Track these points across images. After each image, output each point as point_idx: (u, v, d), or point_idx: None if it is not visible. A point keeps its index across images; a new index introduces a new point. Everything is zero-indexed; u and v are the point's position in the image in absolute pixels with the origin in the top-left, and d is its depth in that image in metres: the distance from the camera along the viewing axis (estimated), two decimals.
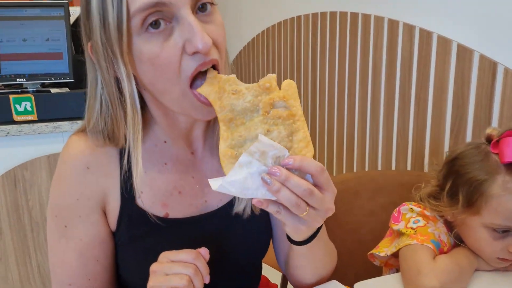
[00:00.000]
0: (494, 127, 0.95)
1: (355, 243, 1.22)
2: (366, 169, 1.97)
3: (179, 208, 0.80)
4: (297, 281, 0.88)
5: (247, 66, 3.44)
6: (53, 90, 1.58)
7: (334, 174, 2.25)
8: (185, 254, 0.64)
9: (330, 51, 2.17)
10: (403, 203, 1.05)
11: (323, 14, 2.18)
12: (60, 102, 1.55)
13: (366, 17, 1.83)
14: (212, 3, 0.67)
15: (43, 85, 1.63)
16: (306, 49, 2.42)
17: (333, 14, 2.10)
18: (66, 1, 1.57)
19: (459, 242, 0.98)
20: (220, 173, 0.63)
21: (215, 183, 0.59)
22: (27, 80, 1.55)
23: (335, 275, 0.89)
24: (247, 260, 0.89)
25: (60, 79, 1.57)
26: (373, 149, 1.90)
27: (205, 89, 0.65)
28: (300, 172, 0.59)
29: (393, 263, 1.08)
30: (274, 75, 0.64)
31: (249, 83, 0.64)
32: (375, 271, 1.13)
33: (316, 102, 2.37)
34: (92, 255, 0.77)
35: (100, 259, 0.78)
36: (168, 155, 0.81)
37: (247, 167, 0.58)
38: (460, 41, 1.40)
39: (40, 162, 1.57)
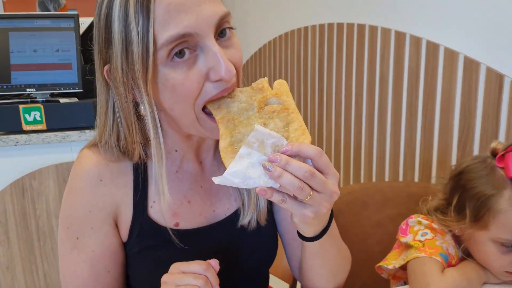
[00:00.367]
0: (499, 141, 0.96)
1: (363, 254, 1.22)
2: (373, 180, 1.97)
3: (189, 217, 0.81)
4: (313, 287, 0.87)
5: (253, 76, 3.45)
6: (62, 100, 1.60)
7: (341, 185, 2.24)
8: (195, 265, 0.65)
9: (337, 62, 2.18)
10: (411, 216, 1.05)
11: (330, 25, 2.19)
12: (69, 112, 1.57)
13: (373, 28, 1.84)
14: (231, 28, 0.69)
15: (52, 95, 1.65)
16: (313, 60, 2.43)
17: (340, 25, 2.11)
18: (77, 13, 1.59)
19: (467, 256, 0.98)
20: None
21: (217, 178, 0.60)
22: (36, 90, 1.57)
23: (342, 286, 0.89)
24: (255, 269, 0.89)
25: (69, 89, 1.59)
26: (381, 160, 1.90)
27: (213, 105, 0.67)
28: (299, 158, 0.60)
29: (401, 275, 1.07)
30: (266, 78, 0.67)
31: None
32: (383, 284, 1.13)
33: (323, 113, 2.37)
34: (104, 266, 0.78)
35: (111, 270, 0.79)
36: (178, 164, 0.82)
37: (248, 158, 0.59)
38: (467, 54, 1.40)
39: (48, 172, 1.58)
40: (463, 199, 0.95)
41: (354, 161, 2.12)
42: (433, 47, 1.53)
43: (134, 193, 0.78)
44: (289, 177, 0.57)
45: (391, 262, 1.04)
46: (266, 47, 3.10)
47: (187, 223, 0.80)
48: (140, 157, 0.75)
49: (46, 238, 1.64)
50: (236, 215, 0.84)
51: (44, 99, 1.59)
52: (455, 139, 1.48)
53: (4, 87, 1.54)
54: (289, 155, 0.58)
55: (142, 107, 0.69)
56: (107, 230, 0.78)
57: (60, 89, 1.58)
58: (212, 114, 0.67)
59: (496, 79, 1.30)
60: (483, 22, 1.33)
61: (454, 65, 1.45)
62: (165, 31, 0.62)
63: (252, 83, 0.67)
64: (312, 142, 0.62)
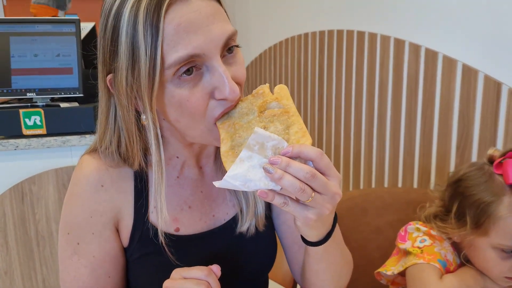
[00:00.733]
0: (496, 148, 0.96)
1: (362, 260, 1.22)
2: (373, 186, 1.97)
3: (190, 222, 0.81)
4: None
5: (254, 82, 3.46)
6: (63, 105, 1.60)
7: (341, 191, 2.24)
8: (197, 271, 0.65)
9: (337, 69, 2.19)
10: (410, 222, 1.06)
11: (330, 32, 2.20)
12: (69, 116, 1.57)
13: (373, 36, 1.85)
14: (237, 46, 0.69)
15: (52, 99, 1.65)
16: (313, 66, 2.44)
17: (340, 32, 2.12)
18: (78, 18, 1.60)
19: (466, 262, 0.99)
20: None
21: (218, 182, 0.60)
22: (37, 95, 1.57)
23: None
24: (255, 274, 0.90)
25: (70, 93, 1.59)
26: (380, 166, 1.91)
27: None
28: (300, 160, 0.59)
29: (400, 281, 1.08)
30: (267, 84, 0.67)
31: None
32: None
33: (323, 119, 2.38)
34: (104, 271, 0.78)
35: (112, 275, 0.79)
36: (179, 170, 0.82)
37: (248, 161, 0.59)
38: (465, 61, 1.41)
39: (48, 176, 1.58)
40: (462, 207, 0.95)
41: (353, 166, 2.12)
42: (432, 55, 1.54)
43: (134, 198, 0.78)
44: (290, 179, 0.57)
45: (390, 268, 1.04)
46: (267, 53, 3.11)
47: (187, 228, 0.81)
48: (140, 166, 0.75)
49: (45, 243, 1.64)
50: (234, 220, 0.85)
51: (44, 104, 1.59)
52: (454, 146, 1.48)
53: (5, 91, 1.54)
54: (289, 157, 0.58)
55: (143, 117, 0.69)
56: (108, 235, 0.78)
57: (60, 94, 1.58)
58: None
59: (494, 87, 1.31)
60: (482, 30, 1.34)
61: (453, 72, 1.45)
62: (173, 52, 0.62)
63: (253, 90, 0.67)
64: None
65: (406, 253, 1.02)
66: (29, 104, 1.61)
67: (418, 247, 0.99)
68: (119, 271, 0.80)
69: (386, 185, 1.87)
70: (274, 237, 0.91)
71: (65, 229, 0.78)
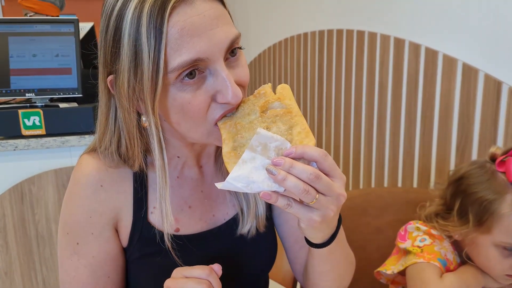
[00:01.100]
0: (498, 146, 0.96)
1: (362, 260, 1.22)
2: (373, 186, 1.97)
3: (190, 222, 0.81)
4: None
5: (253, 82, 3.46)
6: (62, 105, 1.60)
7: None
8: (198, 270, 0.65)
9: (336, 68, 2.19)
10: (410, 222, 1.06)
11: (330, 31, 2.20)
12: (68, 117, 1.57)
13: (372, 35, 1.85)
14: (240, 48, 0.69)
15: (51, 99, 1.65)
16: (312, 66, 2.43)
17: (339, 31, 2.12)
18: (77, 18, 1.60)
19: (467, 260, 0.98)
20: None
21: (220, 184, 0.59)
22: (36, 95, 1.56)
23: None
24: (255, 274, 0.90)
25: (69, 94, 1.59)
26: (380, 166, 1.90)
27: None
28: (303, 161, 0.59)
29: (400, 281, 1.07)
30: (269, 84, 0.66)
31: None
32: None
33: (323, 119, 2.38)
34: (104, 271, 0.78)
35: (111, 276, 0.79)
36: (179, 170, 0.82)
37: (251, 162, 0.58)
38: (466, 61, 1.41)
39: (47, 177, 1.58)
40: (465, 204, 0.95)
41: (353, 167, 2.12)
42: (432, 54, 1.54)
43: (134, 198, 0.78)
44: (293, 180, 0.56)
45: (390, 267, 1.04)
46: (266, 53, 3.11)
47: (187, 228, 0.81)
48: (140, 167, 0.74)
49: (45, 243, 1.63)
50: (235, 220, 0.84)
51: (43, 104, 1.59)
52: (454, 145, 1.48)
53: (4, 91, 1.54)
54: (293, 158, 0.58)
55: (144, 118, 0.68)
56: (108, 235, 0.77)
57: (59, 94, 1.58)
58: None
59: (494, 86, 1.31)
60: (482, 29, 1.34)
61: (453, 71, 1.45)
62: (177, 56, 0.61)
63: (255, 91, 0.66)
64: None
65: (406, 252, 1.01)
66: (28, 104, 1.61)
67: (418, 246, 0.99)
68: (119, 272, 0.80)
69: (385, 184, 1.87)
70: (275, 238, 0.90)
71: (65, 229, 0.78)
